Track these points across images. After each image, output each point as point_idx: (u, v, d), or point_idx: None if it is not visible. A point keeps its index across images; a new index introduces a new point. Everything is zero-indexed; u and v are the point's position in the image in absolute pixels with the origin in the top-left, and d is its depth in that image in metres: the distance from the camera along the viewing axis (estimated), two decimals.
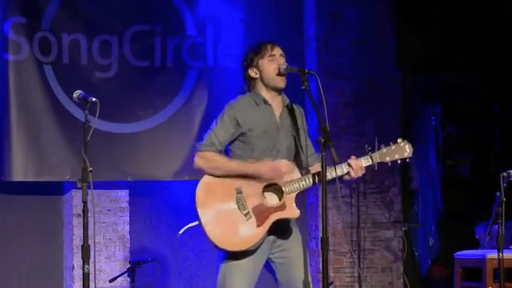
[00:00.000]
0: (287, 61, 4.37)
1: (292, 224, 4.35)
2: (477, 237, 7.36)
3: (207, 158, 4.26)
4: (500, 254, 5.18)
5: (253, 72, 4.38)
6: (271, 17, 7.28)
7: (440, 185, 8.45)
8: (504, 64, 8.18)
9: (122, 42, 6.81)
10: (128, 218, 6.96)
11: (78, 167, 4.34)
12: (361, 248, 7.38)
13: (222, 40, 7.11)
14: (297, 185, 4.23)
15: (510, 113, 8.48)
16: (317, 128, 6.84)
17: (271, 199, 4.24)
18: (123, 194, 6.95)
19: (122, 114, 6.79)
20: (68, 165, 6.58)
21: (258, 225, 4.18)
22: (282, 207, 4.21)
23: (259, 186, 4.22)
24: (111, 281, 6.45)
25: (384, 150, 4.33)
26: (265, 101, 4.36)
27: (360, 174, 4.26)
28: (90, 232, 4.13)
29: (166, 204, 7.14)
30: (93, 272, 4.17)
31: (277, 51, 4.37)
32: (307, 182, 4.24)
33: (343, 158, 4.28)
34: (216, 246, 4.19)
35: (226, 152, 4.38)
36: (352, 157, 4.29)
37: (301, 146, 4.39)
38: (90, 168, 4.12)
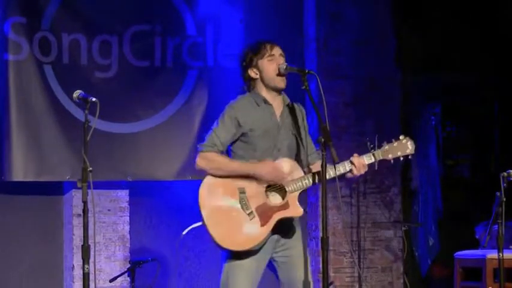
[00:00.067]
0: (287, 61, 4.36)
1: (295, 222, 4.36)
2: (477, 237, 7.36)
3: (208, 159, 4.26)
4: (500, 254, 5.18)
5: (253, 73, 4.37)
6: (271, 17, 7.28)
7: (441, 185, 8.46)
8: (504, 64, 8.18)
9: (122, 42, 6.81)
10: (128, 218, 6.96)
11: (78, 167, 4.35)
12: (361, 248, 7.38)
13: (222, 40, 7.12)
14: (300, 183, 4.23)
15: (510, 113, 8.48)
16: (317, 128, 6.84)
17: (274, 198, 4.24)
18: (123, 194, 6.95)
19: (122, 114, 6.79)
20: (68, 165, 6.58)
21: (262, 225, 4.19)
22: (285, 206, 4.21)
23: (262, 185, 4.22)
24: (111, 280, 6.45)
25: (386, 147, 4.33)
26: (265, 101, 4.36)
27: (362, 171, 4.26)
28: (90, 232, 4.13)
29: (166, 204, 7.14)
30: (93, 272, 4.18)
31: (277, 51, 4.37)
32: (310, 180, 4.25)
33: (343, 158, 4.29)
34: (219, 246, 4.19)
35: (228, 152, 4.38)
36: (355, 155, 4.29)
37: (302, 145, 4.39)
38: (90, 168, 4.12)
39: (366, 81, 7.45)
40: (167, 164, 6.91)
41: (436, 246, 8.30)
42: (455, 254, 6.86)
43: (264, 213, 4.19)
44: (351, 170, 4.26)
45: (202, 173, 4.29)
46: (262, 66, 4.34)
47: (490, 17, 8.15)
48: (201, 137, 4.41)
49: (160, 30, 6.94)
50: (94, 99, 4.24)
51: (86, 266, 4.11)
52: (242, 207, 4.19)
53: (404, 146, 4.36)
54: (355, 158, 4.27)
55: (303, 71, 4.24)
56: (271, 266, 4.36)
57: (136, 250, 6.94)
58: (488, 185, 7.35)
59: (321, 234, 4.10)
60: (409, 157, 4.39)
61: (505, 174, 5.29)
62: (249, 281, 4.24)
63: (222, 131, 4.29)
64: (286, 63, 4.32)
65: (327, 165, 4.13)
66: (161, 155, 6.90)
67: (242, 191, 4.21)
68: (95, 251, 4.62)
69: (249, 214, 4.19)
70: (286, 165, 4.26)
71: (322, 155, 4.06)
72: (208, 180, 4.24)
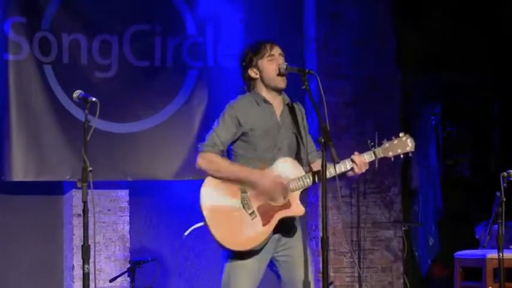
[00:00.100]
0: (287, 61, 4.36)
1: (296, 222, 4.36)
2: (477, 237, 7.36)
3: (208, 160, 4.26)
4: (500, 254, 5.18)
5: (253, 73, 4.37)
6: (271, 17, 7.28)
7: (441, 185, 8.46)
8: (504, 64, 8.19)
9: (122, 42, 6.81)
10: (128, 217, 6.96)
11: (78, 166, 4.35)
12: (361, 248, 7.38)
13: (222, 40, 7.12)
14: (301, 182, 4.24)
15: (510, 113, 8.48)
16: (317, 128, 6.85)
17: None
18: (123, 194, 6.95)
19: (122, 114, 6.79)
20: (68, 165, 6.58)
21: (264, 224, 4.19)
22: (286, 205, 4.21)
23: None
24: (111, 280, 6.45)
25: (387, 145, 4.34)
26: (265, 101, 4.36)
27: (363, 169, 4.27)
28: (90, 232, 4.12)
29: (166, 204, 7.14)
30: (93, 272, 4.17)
31: (276, 50, 4.37)
32: (311, 179, 4.25)
33: (344, 158, 4.29)
34: (222, 247, 4.18)
35: (228, 152, 4.38)
36: (355, 153, 4.30)
37: (302, 144, 4.39)
38: (90, 168, 4.12)
39: (366, 81, 7.45)
40: (167, 163, 6.91)
41: (436, 246, 8.30)
42: (455, 254, 6.86)
43: (266, 212, 4.19)
44: (352, 169, 4.27)
45: (202, 173, 4.29)
46: (262, 66, 4.34)
47: (490, 17, 8.15)
48: (201, 137, 4.40)
49: (161, 30, 6.94)
50: (94, 99, 4.23)
51: (86, 266, 4.11)
52: (244, 207, 4.19)
53: (404, 144, 4.37)
54: (356, 156, 4.28)
55: (303, 71, 4.24)
56: (271, 266, 4.35)
57: (136, 250, 6.95)
58: (488, 185, 7.35)
59: (321, 234, 4.10)
60: (409, 154, 4.40)
61: (505, 174, 5.29)
62: (251, 281, 4.24)
63: (222, 131, 4.28)
64: (286, 63, 4.32)
65: (328, 164, 4.13)
66: (161, 155, 6.90)
67: (244, 191, 4.21)
68: (95, 251, 4.62)
69: (250, 214, 4.18)
70: (286, 167, 4.26)
71: (322, 155, 4.06)
72: (209, 180, 4.24)
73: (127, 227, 6.95)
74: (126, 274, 6.45)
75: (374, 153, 4.31)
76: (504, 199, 5.23)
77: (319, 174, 4.19)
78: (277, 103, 4.39)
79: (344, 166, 4.26)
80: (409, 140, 4.37)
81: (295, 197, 4.23)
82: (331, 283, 7.09)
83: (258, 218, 4.19)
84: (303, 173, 4.27)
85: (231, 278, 4.23)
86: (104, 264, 6.82)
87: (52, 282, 6.88)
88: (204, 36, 7.09)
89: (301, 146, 4.39)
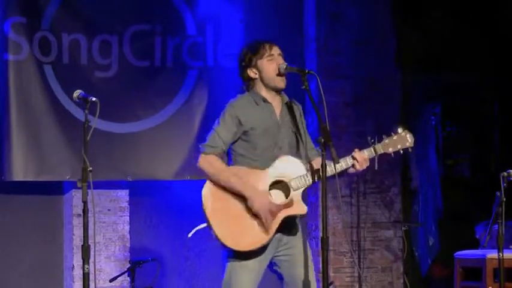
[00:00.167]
0: (287, 61, 4.36)
1: (297, 220, 4.36)
2: (477, 237, 7.36)
3: (209, 162, 4.25)
4: (501, 254, 5.18)
5: (252, 73, 4.37)
6: (271, 17, 7.28)
7: (441, 185, 8.45)
8: (504, 64, 8.18)
9: (122, 42, 6.81)
10: (128, 217, 6.96)
11: (78, 166, 4.35)
12: (361, 248, 7.38)
13: (222, 40, 7.12)
14: (303, 180, 4.24)
15: (510, 113, 8.48)
16: (317, 128, 6.85)
17: (278, 196, 4.24)
18: (123, 194, 6.95)
19: (122, 114, 6.79)
20: (68, 165, 6.58)
21: (268, 224, 4.18)
22: (289, 204, 4.22)
23: (266, 184, 4.22)
24: (111, 280, 6.45)
25: (386, 141, 4.34)
26: (264, 100, 4.35)
27: (364, 166, 4.27)
28: (90, 232, 4.12)
29: (166, 204, 7.14)
30: (93, 272, 4.17)
31: (276, 50, 4.37)
32: (313, 177, 4.25)
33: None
34: (225, 247, 4.18)
35: (228, 152, 4.37)
36: (356, 150, 4.30)
37: (302, 142, 4.39)
38: (90, 168, 4.12)
39: (366, 81, 7.45)
40: (167, 163, 6.91)
41: (436, 246, 8.30)
42: (455, 254, 6.86)
43: (269, 212, 4.18)
44: (353, 165, 4.27)
45: (202, 173, 4.29)
46: (262, 66, 4.34)
47: (490, 17, 8.14)
48: (201, 137, 4.41)
49: (161, 30, 6.94)
50: (94, 99, 4.23)
51: (86, 266, 4.11)
52: (246, 207, 4.19)
53: (404, 139, 4.37)
54: (357, 153, 4.28)
55: (303, 71, 4.24)
56: (272, 266, 4.34)
57: (136, 250, 6.94)
58: (488, 185, 7.35)
59: (321, 234, 4.10)
60: (409, 150, 4.40)
61: (505, 174, 5.28)
62: (252, 281, 4.23)
63: (223, 130, 4.28)
64: (286, 63, 4.32)
65: (329, 162, 4.13)
66: (161, 155, 6.90)
67: None
68: (95, 251, 4.62)
69: (254, 214, 4.18)
70: (287, 166, 4.25)
71: (322, 154, 4.06)
72: (211, 181, 4.24)
73: (127, 227, 6.95)
74: (126, 274, 6.45)
75: (374, 149, 4.32)
76: (504, 199, 5.23)
77: (320, 173, 4.19)
78: (277, 102, 4.39)
79: (345, 163, 4.27)
80: (408, 136, 4.38)
81: (297, 196, 4.23)
82: (331, 283, 7.09)
83: (262, 218, 4.18)
84: (305, 171, 4.27)
85: (232, 278, 4.22)
86: (104, 264, 6.82)
87: (52, 282, 6.88)
88: (204, 36, 7.09)
89: (300, 144, 4.39)
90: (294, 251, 4.31)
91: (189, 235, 4.36)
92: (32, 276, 6.79)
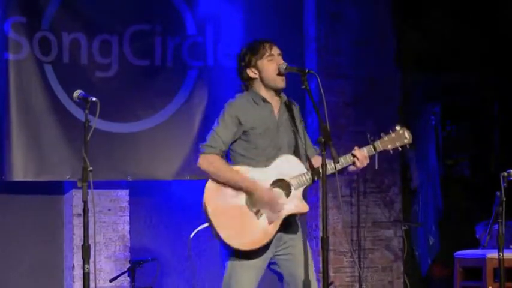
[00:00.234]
0: (286, 61, 4.37)
1: (297, 219, 4.36)
2: (477, 236, 7.36)
3: (209, 161, 4.26)
4: (501, 254, 5.18)
5: (251, 72, 4.37)
6: (271, 17, 7.28)
7: (441, 185, 8.46)
8: (504, 64, 8.19)
9: (122, 41, 6.81)
10: (128, 217, 6.96)
11: (78, 166, 4.35)
12: (361, 248, 7.38)
13: (222, 40, 7.12)
14: (304, 178, 4.24)
15: (510, 113, 8.48)
16: (317, 128, 6.85)
17: (279, 195, 4.24)
18: (123, 194, 6.95)
19: (122, 113, 6.79)
20: (68, 164, 6.57)
21: (270, 223, 4.19)
22: (291, 203, 4.21)
23: (267, 183, 4.22)
24: (111, 280, 6.45)
25: (385, 138, 4.37)
26: (264, 100, 4.36)
27: (364, 163, 4.29)
28: (91, 232, 4.12)
29: (166, 204, 7.14)
30: (93, 272, 4.17)
31: (276, 50, 4.37)
32: (314, 176, 4.25)
33: None
34: (227, 246, 4.18)
35: (228, 152, 4.37)
36: (356, 147, 4.32)
37: (301, 140, 4.40)
38: (90, 168, 4.12)
39: (366, 81, 7.46)
40: (167, 163, 6.91)
41: (436, 246, 8.30)
42: (455, 254, 6.86)
43: (271, 210, 4.18)
44: (353, 163, 4.28)
45: (203, 173, 4.29)
46: (262, 66, 4.34)
47: (490, 17, 8.15)
48: (201, 137, 4.41)
49: (161, 29, 6.94)
50: (94, 98, 4.24)
51: (86, 265, 4.11)
52: (248, 206, 4.19)
53: (402, 136, 4.40)
54: (357, 151, 4.30)
55: (303, 71, 4.25)
56: (271, 265, 4.33)
57: (137, 250, 6.94)
58: (488, 185, 7.35)
59: (321, 234, 4.11)
60: (407, 147, 4.42)
61: (505, 173, 5.29)
62: (253, 280, 4.23)
63: (223, 130, 4.28)
64: (286, 63, 4.33)
65: (329, 160, 4.14)
66: (161, 155, 6.89)
67: None
68: (95, 251, 4.62)
69: (256, 212, 4.19)
70: (287, 165, 4.26)
71: (322, 154, 4.06)
72: (213, 180, 4.24)
73: (127, 227, 6.95)
74: (126, 274, 6.45)
75: (373, 146, 4.34)
76: (504, 199, 5.23)
77: (320, 171, 4.19)
78: (275, 102, 4.39)
79: (345, 161, 4.28)
80: (406, 133, 4.40)
81: (299, 194, 4.24)
82: (331, 283, 7.09)
83: (264, 217, 4.19)
84: (304, 170, 4.27)
85: (232, 278, 4.22)
86: (104, 264, 6.82)
87: (52, 282, 6.88)
88: (204, 36, 7.10)
89: (299, 142, 4.40)
90: (294, 251, 4.31)
91: (191, 235, 4.36)
92: (32, 276, 6.79)
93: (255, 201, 4.19)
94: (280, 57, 4.36)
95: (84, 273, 4.12)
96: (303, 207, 4.26)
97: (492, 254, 6.27)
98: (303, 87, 4.20)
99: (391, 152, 4.40)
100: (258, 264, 4.24)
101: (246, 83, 4.40)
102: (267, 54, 4.34)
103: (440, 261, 8.27)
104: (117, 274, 6.47)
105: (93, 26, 6.74)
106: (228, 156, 4.36)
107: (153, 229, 7.14)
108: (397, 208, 7.50)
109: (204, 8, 7.09)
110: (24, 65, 6.53)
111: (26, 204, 6.76)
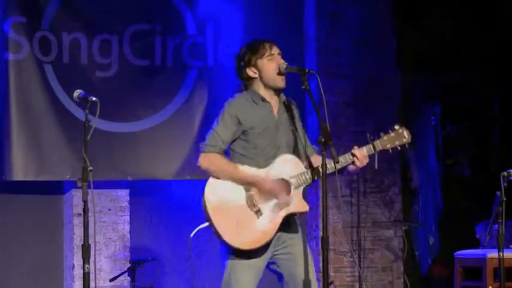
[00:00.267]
0: (287, 60, 4.37)
1: (296, 219, 4.36)
2: (477, 236, 7.36)
3: (210, 160, 4.26)
4: (501, 254, 5.18)
5: (251, 72, 4.37)
6: (271, 17, 7.28)
7: (441, 185, 8.46)
8: (504, 64, 8.19)
9: (122, 41, 6.81)
10: (128, 217, 6.96)
11: (79, 166, 4.35)
12: (362, 248, 7.38)
13: (222, 39, 7.12)
14: (303, 178, 4.25)
15: (510, 113, 8.49)
16: (317, 128, 6.85)
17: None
18: (124, 194, 6.95)
19: (122, 113, 6.79)
20: (68, 164, 6.57)
21: (270, 222, 4.19)
22: (291, 202, 4.22)
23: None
24: (111, 280, 6.45)
25: (385, 137, 4.38)
26: (263, 99, 4.36)
27: (364, 163, 4.30)
28: (91, 231, 4.13)
29: (166, 204, 7.14)
30: (93, 272, 4.18)
31: (275, 50, 4.38)
32: (314, 175, 4.25)
33: None
34: (228, 245, 4.17)
35: (227, 152, 4.37)
36: (355, 147, 4.32)
37: (299, 140, 4.40)
38: (91, 168, 4.12)
39: (366, 81, 7.46)
40: (167, 163, 6.91)
41: (436, 246, 8.30)
42: (455, 254, 6.86)
43: (271, 210, 4.19)
44: (353, 162, 4.29)
45: (203, 173, 4.29)
46: (262, 66, 4.35)
47: (490, 17, 8.15)
48: (201, 137, 4.40)
49: (161, 29, 6.94)
50: (94, 98, 4.24)
51: (86, 265, 4.11)
52: (249, 206, 4.19)
53: (401, 135, 4.41)
54: (356, 150, 4.31)
55: (303, 71, 4.25)
56: (270, 264, 4.33)
57: (137, 250, 6.94)
58: (488, 185, 7.35)
59: (321, 234, 4.10)
60: (406, 146, 4.43)
61: (505, 173, 5.29)
62: (253, 280, 4.23)
63: (222, 129, 4.28)
64: (286, 63, 4.33)
65: (329, 160, 4.14)
66: (161, 155, 6.90)
67: (248, 189, 4.21)
68: (95, 251, 4.62)
69: (256, 212, 4.19)
70: (287, 164, 4.26)
71: (323, 154, 4.07)
72: (213, 180, 4.24)
73: (127, 227, 6.95)
74: (127, 274, 6.45)
75: (373, 146, 4.34)
76: (504, 198, 5.23)
77: (319, 170, 4.20)
78: (274, 101, 4.40)
79: (345, 160, 4.29)
80: (405, 132, 4.42)
81: (298, 194, 4.24)
82: (331, 283, 7.09)
83: (264, 216, 4.19)
84: (304, 169, 4.28)
85: (232, 277, 4.22)
86: (104, 263, 6.82)
87: (52, 282, 6.88)
88: (204, 36, 7.10)
89: (298, 142, 4.40)
90: (294, 250, 4.31)
91: (191, 235, 4.36)
92: (32, 276, 6.79)
93: (258, 192, 4.18)
94: (280, 57, 4.36)
95: (84, 273, 4.13)
96: (303, 206, 4.26)
97: (492, 254, 6.27)
98: (303, 87, 4.20)
99: (391, 151, 4.41)
100: (257, 264, 4.24)
101: (246, 83, 4.41)
102: (267, 53, 4.34)
103: (440, 261, 8.27)
104: (117, 274, 6.47)
105: (93, 26, 6.74)
106: (227, 155, 4.37)
107: (153, 229, 7.14)
108: (397, 208, 7.50)
109: (204, 8, 7.09)
110: (24, 65, 6.53)
111: (26, 204, 6.76)
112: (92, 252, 4.13)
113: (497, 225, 5.36)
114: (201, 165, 4.28)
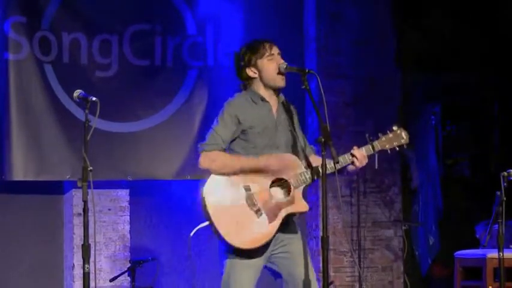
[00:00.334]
0: (287, 60, 4.38)
1: (294, 219, 4.36)
2: (477, 236, 7.36)
3: (211, 158, 4.26)
4: (501, 254, 5.18)
5: (251, 72, 4.38)
6: (271, 17, 7.28)
7: (441, 184, 8.46)
8: (504, 64, 8.19)
9: (122, 41, 6.81)
10: (128, 217, 6.96)
11: (79, 166, 4.34)
12: (362, 248, 7.38)
13: (222, 39, 7.12)
14: (303, 177, 4.25)
15: (510, 113, 8.49)
16: (317, 128, 6.85)
17: (279, 194, 4.24)
18: (124, 194, 6.95)
19: (122, 113, 6.79)
20: (68, 164, 6.57)
21: (270, 222, 4.19)
22: (290, 202, 4.22)
23: (267, 182, 4.22)
24: (111, 280, 6.45)
25: (383, 138, 4.39)
26: (262, 99, 4.36)
27: (364, 163, 4.31)
28: (91, 231, 4.13)
29: (166, 204, 7.14)
30: (93, 271, 4.18)
31: (275, 50, 4.38)
32: (313, 174, 4.26)
33: None
34: (228, 245, 4.17)
35: (226, 151, 4.37)
36: (355, 147, 4.33)
37: (298, 140, 4.40)
38: (91, 168, 4.12)
39: (366, 81, 7.46)
40: (167, 163, 6.91)
41: (436, 246, 8.30)
42: (455, 254, 6.86)
43: (271, 209, 4.19)
44: (353, 163, 4.30)
45: (203, 173, 4.28)
46: (262, 66, 4.35)
47: (490, 17, 8.15)
48: (201, 137, 4.40)
49: (161, 29, 6.94)
50: (94, 98, 4.24)
51: (86, 265, 4.11)
52: (249, 205, 4.19)
53: (399, 136, 4.42)
54: (356, 150, 4.31)
55: (303, 71, 4.25)
56: (269, 264, 4.33)
57: (137, 250, 6.94)
58: (488, 185, 7.35)
59: (321, 234, 4.10)
60: (405, 147, 4.44)
61: (505, 173, 5.29)
62: (252, 279, 4.23)
63: (222, 129, 4.29)
64: (286, 63, 4.34)
65: (329, 160, 4.14)
66: (161, 155, 6.90)
67: (248, 189, 4.21)
68: (95, 251, 4.62)
69: (256, 211, 4.19)
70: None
71: (322, 154, 4.07)
72: (212, 179, 4.23)
73: (127, 227, 6.95)
74: (127, 273, 6.45)
75: (372, 146, 4.35)
76: (504, 198, 5.23)
77: (319, 170, 4.20)
78: (274, 101, 4.40)
79: (344, 160, 4.29)
80: (403, 133, 4.42)
81: (298, 194, 4.24)
82: (331, 283, 7.09)
83: (264, 216, 4.19)
84: (303, 169, 4.28)
85: (231, 276, 4.22)
86: (104, 263, 6.82)
87: (52, 282, 6.88)
88: (204, 36, 7.10)
89: (297, 142, 4.40)
90: (292, 249, 4.31)
91: (191, 234, 4.36)
92: (32, 276, 6.79)
93: (271, 172, 4.18)
94: (280, 57, 4.37)
95: (84, 273, 4.13)
96: (302, 206, 4.26)
97: (492, 254, 6.27)
98: (303, 87, 4.21)
99: (389, 151, 4.42)
100: (257, 264, 4.24)
101: (245, 83, 4.41)
102: (267, 53, 4.35)
103: (440, 261, 8.27)
104: (117, 274, 6.47)
105: (93, 26, 6.75)
106: None
107: (153, 229, 7.14)
108: (397, 208, 7.50)
109: (204, 8, 7.09)
110: (24, 65, 6.54)
111: (26, 204, 6.76)
112: (92, 252, 4.13)
113: (497, 225, 5.36)
114: (202, 165, 4.27)
